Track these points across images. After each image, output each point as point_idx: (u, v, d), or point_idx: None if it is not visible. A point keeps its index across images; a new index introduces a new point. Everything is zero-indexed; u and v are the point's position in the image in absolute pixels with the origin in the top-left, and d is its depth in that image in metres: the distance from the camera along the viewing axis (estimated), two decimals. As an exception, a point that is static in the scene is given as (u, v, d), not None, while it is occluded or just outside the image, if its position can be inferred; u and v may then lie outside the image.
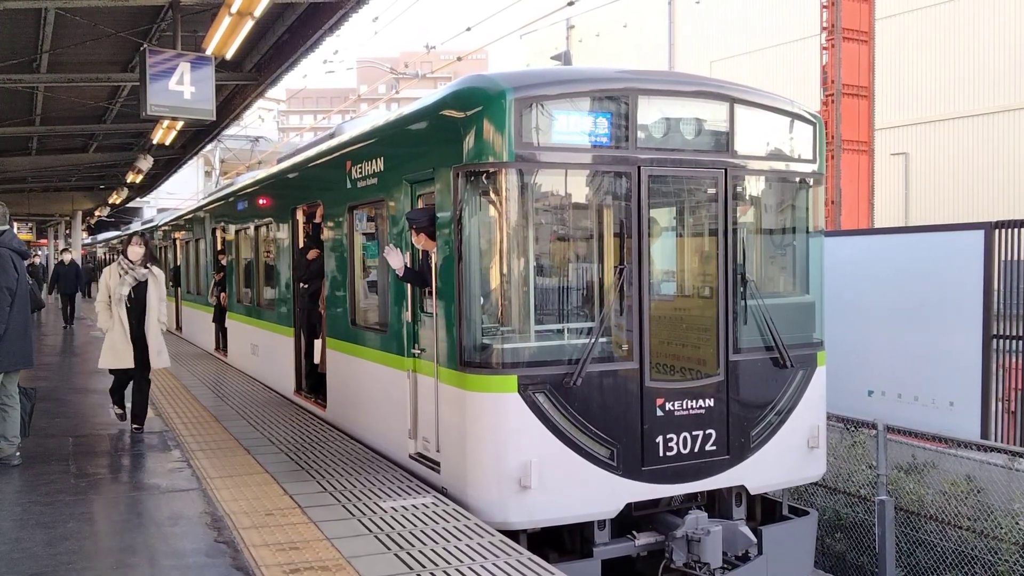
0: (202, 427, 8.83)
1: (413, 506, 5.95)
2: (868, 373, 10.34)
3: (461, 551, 5.08)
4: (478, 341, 5.93)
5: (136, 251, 8.50)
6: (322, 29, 9.89)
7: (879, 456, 8.42)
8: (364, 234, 8.58)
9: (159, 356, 8.46)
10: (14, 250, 7.26)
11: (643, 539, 6.30)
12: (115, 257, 9.10)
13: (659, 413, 6.14)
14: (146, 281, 8.45)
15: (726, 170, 6.48)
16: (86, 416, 9.68)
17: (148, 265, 8.55)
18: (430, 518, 5.69)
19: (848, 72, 16.93)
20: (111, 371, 8.61)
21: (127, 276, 8.38)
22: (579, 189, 6.51)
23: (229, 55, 9.53)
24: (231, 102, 13.85)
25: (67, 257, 23.32)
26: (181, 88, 8.41)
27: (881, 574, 8.35)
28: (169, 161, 21.03)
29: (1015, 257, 9.24)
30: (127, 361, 8.33)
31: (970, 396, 9.36)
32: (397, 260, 6.76)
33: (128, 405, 8.68)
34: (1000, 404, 9.33)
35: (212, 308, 15.34)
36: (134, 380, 8.59)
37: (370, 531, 5.44)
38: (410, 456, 6.95)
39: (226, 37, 8.81)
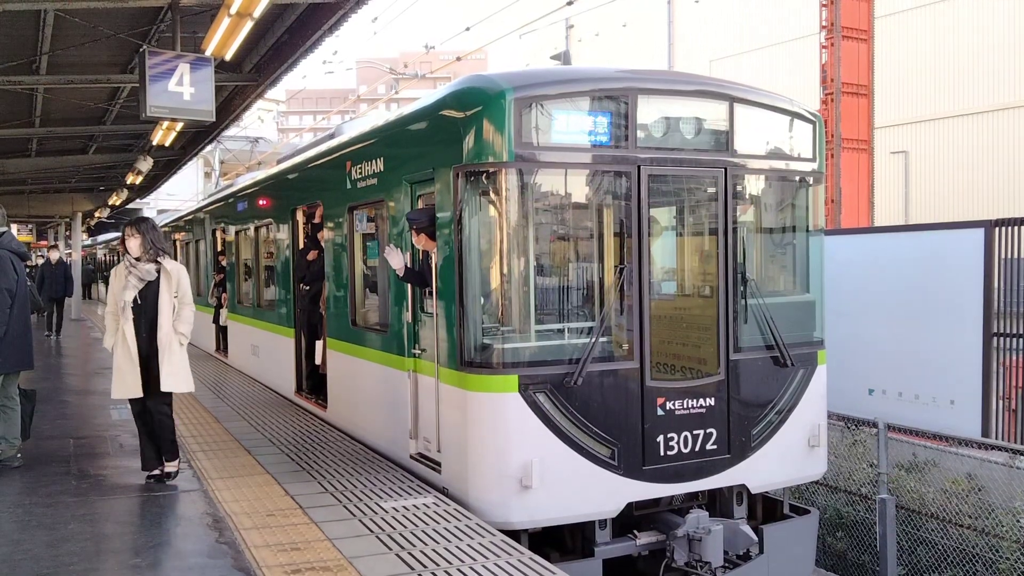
0: (203, 428, 8.83)
1: (414, 506, 5.95)
2: (869, 372, 10.34)
3: (462, 551, 5.08)
4: (478, 341, 5.93)
5: (133, 243, 6.56)
6: (321, 30, 9.87)
7: (880, 454, 8.43)
8: (364, 234, 8.57)
9: (172, 376, 6.52)
10: (13, 251, 7.26)
11: (644, 538, 6.30)
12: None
13: (660, 412, 6.14)
14: (156, 280, 6.58)
15: (726, 169, 6.48)
16: (86, 418, 9.68)
17: (158, 259, 6.59)
18: (431, 518, 5.69)
19: (847, 70, 16.96)
20: (130, 403, 6.80)
21: (131, 277, 6.52)
22: (579, 189, 6.50)
23: (228, 56, 9.51)
24: (231, 103, 13.83)
25: (54, 256, 20.01)
26: (181, 89, 8.38)
27: (882, 572, 8.35)
28: (169, 162, 20.98)
29: (1015, 255, 9.25)
30: (133, 388, 6.49)
31: (971, 394, 9.37)
32: (397, 260, 6.76)
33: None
34: (1001, 402, 9.34)
35: (212, 309, 15.35)
36: (151, 412, 6.68)
37: (371, 531, 5.44)
38: (411, 456, 6.95)
39: (225, 38, 8.80)
